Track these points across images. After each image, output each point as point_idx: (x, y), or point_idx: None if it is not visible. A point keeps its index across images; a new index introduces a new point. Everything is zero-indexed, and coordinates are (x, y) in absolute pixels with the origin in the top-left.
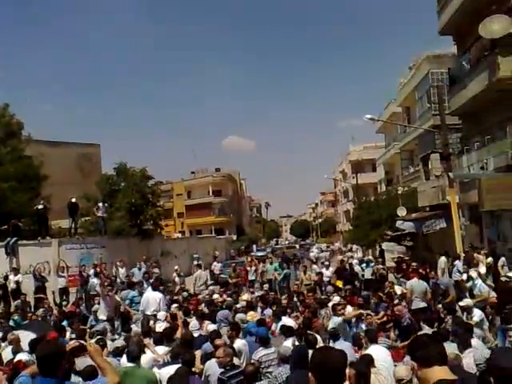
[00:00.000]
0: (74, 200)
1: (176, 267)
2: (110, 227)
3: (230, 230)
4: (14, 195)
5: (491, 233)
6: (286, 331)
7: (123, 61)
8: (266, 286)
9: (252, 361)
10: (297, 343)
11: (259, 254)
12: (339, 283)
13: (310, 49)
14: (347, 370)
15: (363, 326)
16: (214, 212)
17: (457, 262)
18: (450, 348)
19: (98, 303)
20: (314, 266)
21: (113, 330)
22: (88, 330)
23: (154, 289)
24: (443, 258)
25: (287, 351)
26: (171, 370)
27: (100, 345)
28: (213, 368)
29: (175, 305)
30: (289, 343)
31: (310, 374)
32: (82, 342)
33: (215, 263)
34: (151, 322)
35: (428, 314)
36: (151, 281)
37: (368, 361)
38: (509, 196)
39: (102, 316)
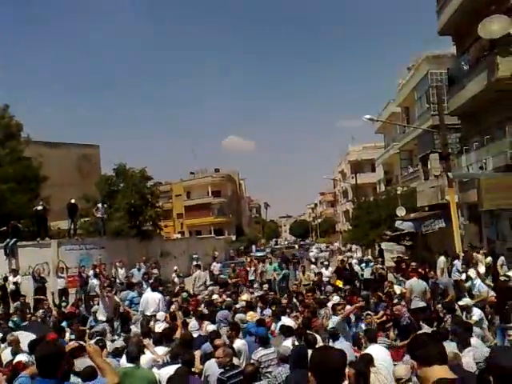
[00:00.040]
0: (73, 201)
1: (175, 268)
2: (109, 228)
3: (230, 230)
4: (13, 196)
5: (490, 232)
6: (286, 331)
7: (123, 61)
8: (265, 287)
9: (251, 361)
10: (296, 343)
11: (259, 254)
12: (339, 283)
13: (309, 49)
14: (347, 370)
15: (363, 326)
16: (214, 212)
17: (456, 261)
18: (450, 347)
19: (98, 304)
20: (313, 266)
21: (112, 331)
22: (87, 331)
23: (154, 289)
24: (442, 258)
25: (287, 351)
26: (171, 370)
27: (99, 345)
28: (212, 368)
29: (174, 305)
30: (288, 343)
31: (309, 374)
32: (82, 342)
33: (214, 263)
34: (151, 323)
35: (427, 313)
36: (151, 281)
37: (367, 360)
38: (508, 195)
39: (101, 317)
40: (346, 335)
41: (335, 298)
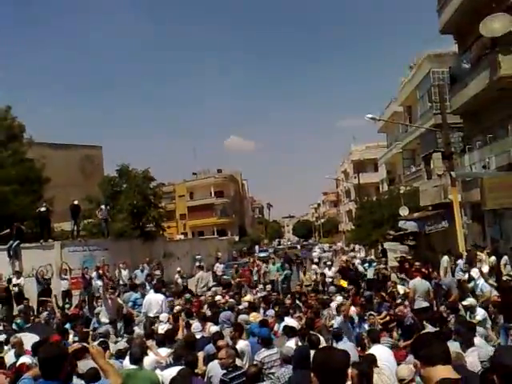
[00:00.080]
0: (76, 202)
1: (178, 269)
2: (112, 229)
3: (233, 230)
4: (16, 198)
5: (494, 231)
6: (289, 332)
7: (123, 61)
8: (268, 287)
9: (254, 362)
10: (300, 344)
11: (262, 254)
12: (344, 283)
13: (309, 49)
14: (350, 370)
15: (366, 326)
16: (216, 213)
17: (459, 260)
18: (453, 347)
19: (101, 306)
20: (314, 267)
21: (115, 333)
22: (91, 333)
23: (156, 291)
24: (446, 257)
25: (290, 352)
26: (174, 371)
27: (103, 347)
28: (215, 369)
29: (178, 307)
30: (292, 344)
31: (312, 375)
32: (85, 344)
33: (218, 264)
34: (155, 325)
35: (431, 313)
36: (153, 283)
37: (370, 361)
38: (511, 194)
39: (104, 319)
40: (350, 336)
41: (338, 299)
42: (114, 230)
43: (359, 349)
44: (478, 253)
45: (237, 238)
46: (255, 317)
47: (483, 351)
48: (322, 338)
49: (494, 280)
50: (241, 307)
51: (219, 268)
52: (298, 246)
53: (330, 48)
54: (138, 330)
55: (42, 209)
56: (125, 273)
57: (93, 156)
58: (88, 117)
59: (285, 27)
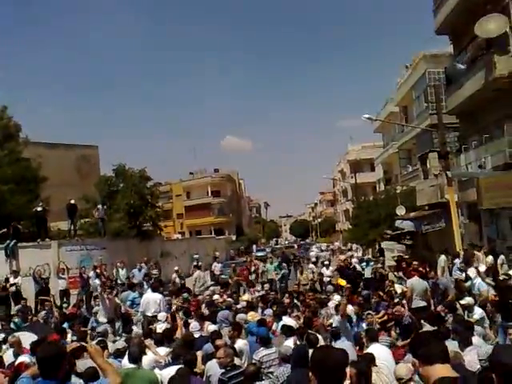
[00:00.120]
0: (72, 202)
1: (176, 268)
2: (109, 228)
3: (230, 230)
4: (12, 197)
5: (490, 231)
6: (287, 331)
7: (123, 61)
8: (266, 286)
9: (253, 361)
10: (298, 343)
11: (259, 253)
12: (342, 282)
13: (309, 49)
14: (348, 369)
15: (364, 326)
16: (214, 212)
17: (456, 260)
18: (451, 346)
19: (99, 305)
20: (311, 266)
21: (114, 332)
22: (89, 332)
23: (154, 290)
24: (443, 257)
25: (288, 351)
26: (172, 371)
27: (101, 346)
28: (214, 368)
29: (175, 306)
30: (290, 343)
31: (310, 374)
32: (83, 343)
33: (215, 264)
34: (154, 324)
35: (428, 312)
36: (151, 282)
37: (369, 360)
38: (507, 194)
39: (102, 318)
40: (348, 335)
41: (336, 298)
42: (111, 230)
43: (357, 348)
44: (475, 252)
45: (234, 238)
46: (253, 316)
47: (482, 350)
48: (320, 337)
49: (491, 279)
50: (239, 306)
51: (217, 267)
52: (296, 246)
53: (330, 48)
54: (137, 329)
55: (39, 208)
56: (122, 272)
57: (89, 156)
58: (88, 117)
59: (285, 27)
